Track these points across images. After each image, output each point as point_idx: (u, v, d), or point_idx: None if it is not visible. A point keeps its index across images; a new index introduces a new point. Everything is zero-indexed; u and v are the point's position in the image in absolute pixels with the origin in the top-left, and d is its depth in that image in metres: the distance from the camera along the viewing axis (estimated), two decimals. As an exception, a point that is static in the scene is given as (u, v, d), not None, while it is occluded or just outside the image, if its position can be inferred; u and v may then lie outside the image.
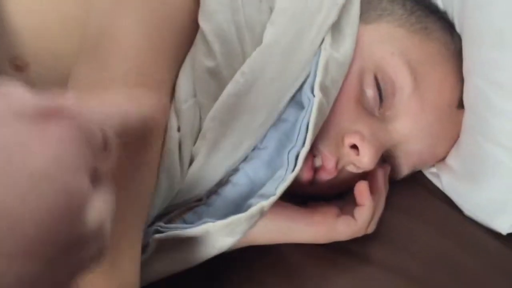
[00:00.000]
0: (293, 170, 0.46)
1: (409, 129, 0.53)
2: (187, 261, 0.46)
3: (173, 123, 0.45)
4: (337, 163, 0.51)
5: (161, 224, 0.46)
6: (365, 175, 0.55)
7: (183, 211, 0.48)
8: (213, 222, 0.44)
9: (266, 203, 0.44)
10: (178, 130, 0.45)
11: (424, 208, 0.57)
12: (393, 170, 0.57)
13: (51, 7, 0.48)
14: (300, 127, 0.47)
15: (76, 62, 0.43)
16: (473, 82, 0.54)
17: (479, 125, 0.54)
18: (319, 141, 0.50)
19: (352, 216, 0.50)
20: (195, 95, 0.45)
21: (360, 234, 0.50)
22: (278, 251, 0.51)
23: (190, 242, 0.45)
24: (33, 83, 0.44)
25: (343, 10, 0.51)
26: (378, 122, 0.52)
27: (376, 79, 0.52)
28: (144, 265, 0.42)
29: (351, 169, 0.53)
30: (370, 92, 0.52)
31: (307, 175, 0.51)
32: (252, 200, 0.45)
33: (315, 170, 0.52)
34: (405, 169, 0.58)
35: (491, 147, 0.53)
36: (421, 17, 0.57)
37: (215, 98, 0.46)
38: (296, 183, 0.47)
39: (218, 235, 0.44)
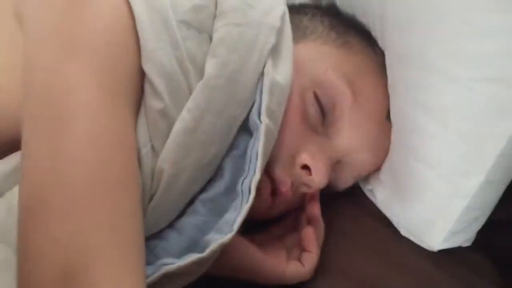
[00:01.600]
0: (248, 200, 0.45)
1: (353, 141, 0.55)
2: None
3: None
4: (292, 185, 0.52)
5: None
6: (303, 201, 0.56)
7: None
8: (171, 264, 0.42)
9: (225, 239, 0.43)
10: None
11: (361, 230, 0.58)
12: (337, 182, 0.58)
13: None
14: (251, 155, 0.47)
15: (23, 135, 0.38)
16: (398, 101, 0.56)
17: (406, 143, 0.55)
18: (273, 164, 0.51)
19: (299, 260, 0.51)
20: (150, 139, 0.44)
21: (306, 279, 0.51)
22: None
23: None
24: None
25: (278, 32, 0.50)
26: (323, 138, 0.54)
27: (316, 96, 0.53)
28: None
29: (303, 189, 0.54)
30: (313, 110, 0.53)
31: (267, 202, 0.52)
32: (209, 236, 0.45)
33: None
34: (349, 180, 0.59)
35: (417, 165, 0.54)
36: (340, 33, 0.59)
37: (167, 139, 0.44)
38: (254, 211, 0.46)
39: (177, 274, 0.43)
